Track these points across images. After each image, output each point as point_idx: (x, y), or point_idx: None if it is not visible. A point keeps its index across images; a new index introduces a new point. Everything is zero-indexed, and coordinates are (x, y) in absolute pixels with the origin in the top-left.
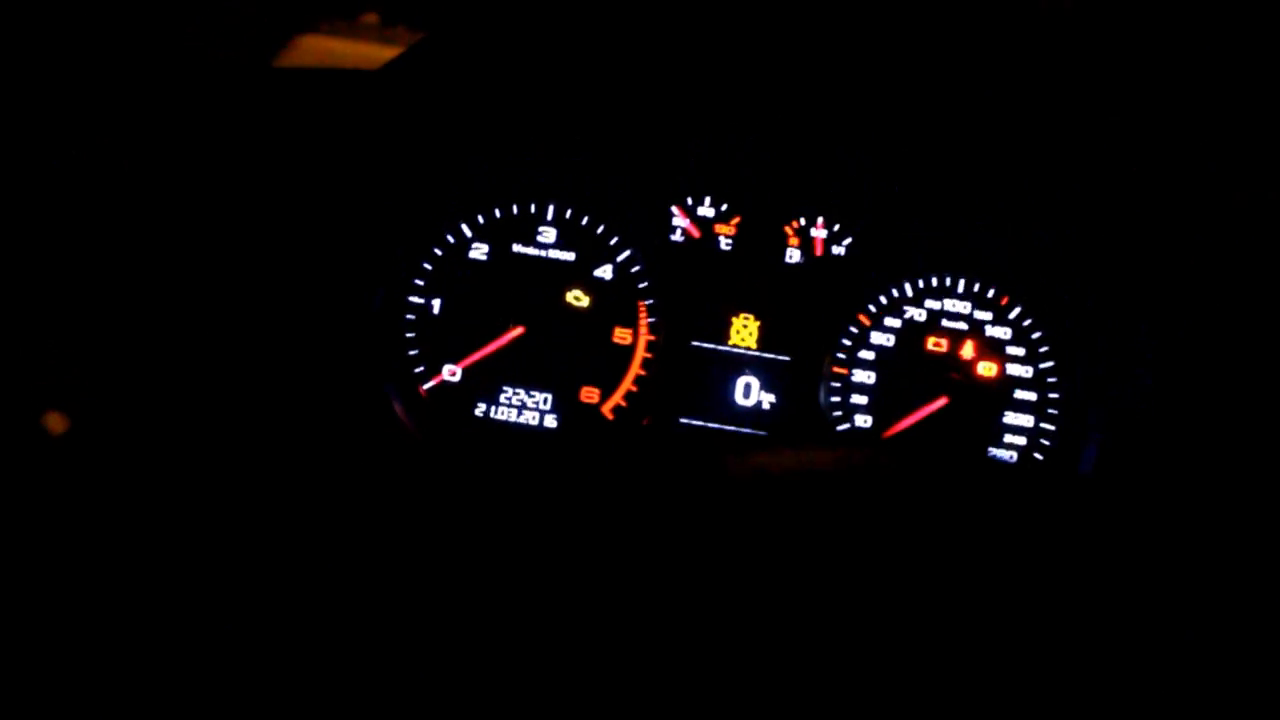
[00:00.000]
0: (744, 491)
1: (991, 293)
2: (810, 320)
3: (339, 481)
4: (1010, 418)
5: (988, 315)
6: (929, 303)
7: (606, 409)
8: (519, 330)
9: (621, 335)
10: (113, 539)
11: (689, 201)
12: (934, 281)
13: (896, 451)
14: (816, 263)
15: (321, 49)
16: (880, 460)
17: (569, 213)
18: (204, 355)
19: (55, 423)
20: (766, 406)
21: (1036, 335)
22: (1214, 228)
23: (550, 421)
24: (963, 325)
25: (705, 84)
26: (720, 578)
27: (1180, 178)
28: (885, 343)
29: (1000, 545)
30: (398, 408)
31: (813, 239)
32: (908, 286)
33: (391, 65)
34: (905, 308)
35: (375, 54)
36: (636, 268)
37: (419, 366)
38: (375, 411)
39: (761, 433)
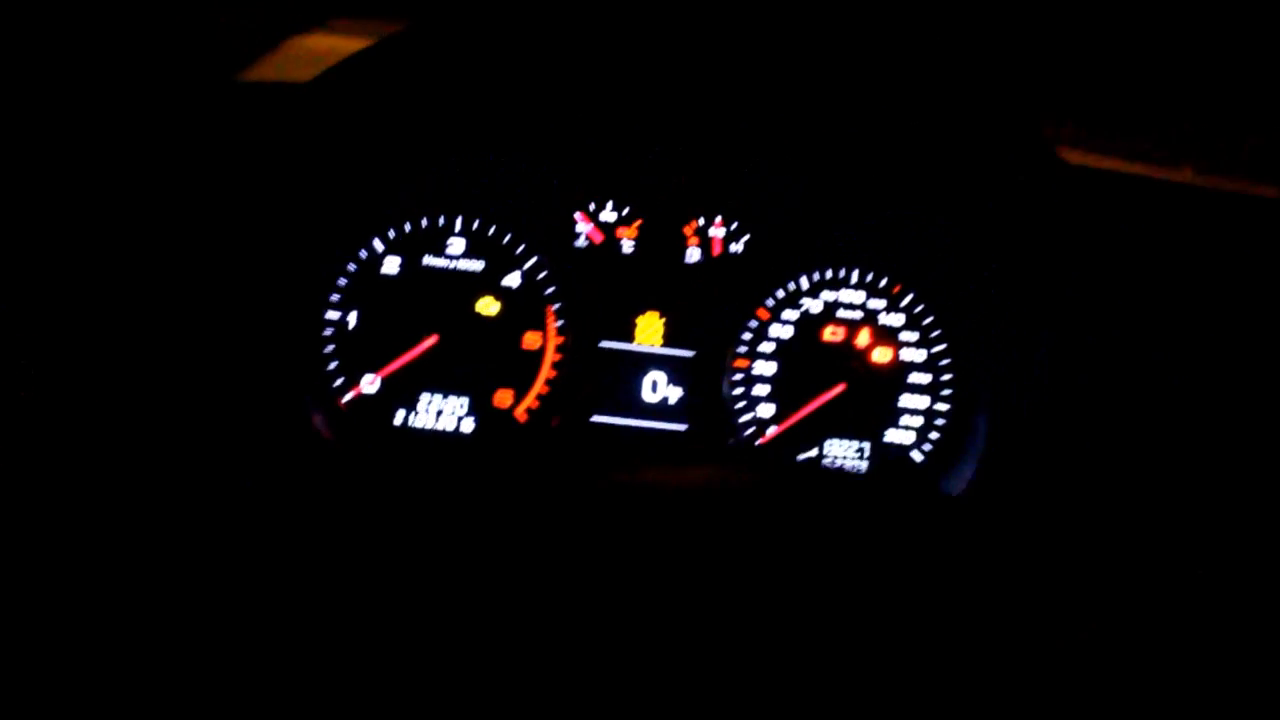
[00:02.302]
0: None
1: (884, 282)
2: (712, 316)
3: (261, 496)
4: (906, 400)
5: (881, 304)
6: (825, 294)
7: (519, 411)
8: (433, 339)
9: (531, 340)
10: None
11: (591, 207)
12: (829, 274)
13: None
14: (715, 261)
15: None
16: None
17: (476, 224)
18: (115, 373)
19: None
20: (674, 401)
21: (928, 320)
22: (1086, 215)
23: (467, 426)
24: (858, 314)
25: (602, 98)
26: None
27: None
28: (784, 335)
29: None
30: (317, 420)
31: (711, 238)
32: (804, 280)
33: (310, 87)
34: (802, 300)
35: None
36: (543, 274)
37: (338, 379)
38: (295, 426)
39: (679, 426)
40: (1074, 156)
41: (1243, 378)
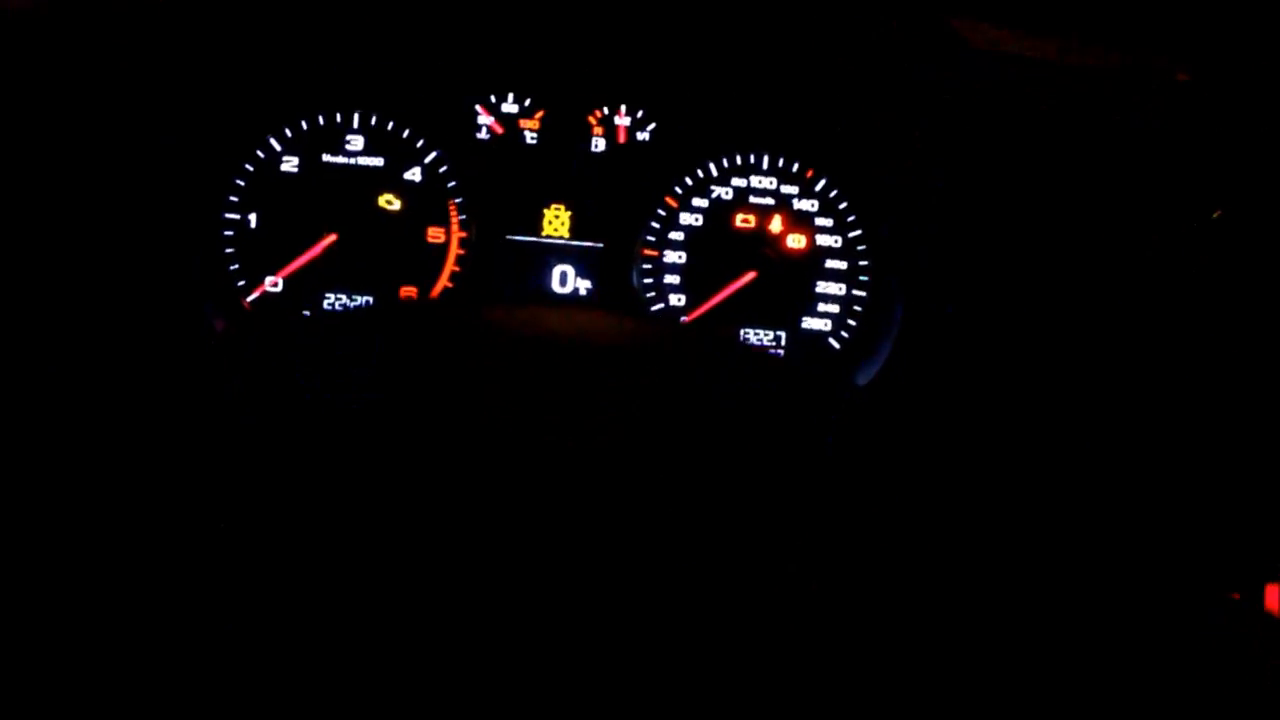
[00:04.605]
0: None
1: (796, 167)
2: (619, 206)
3: (167, 405)
4: (822, 286)
5: (794, 189)
6: (735, 181)
7: None
8: (331, 238)
9: (435, 234)
10: None
11: (492, 99)
12: (739, 160)
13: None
14: (621, 150)
15: None
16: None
17: (374, 119)
18: (16, 294)
19: None
20: (583, 292)
21: (843, 206)
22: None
23: None
24: (769, 200)
25: None
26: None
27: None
28: (694, 223)
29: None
30: (220, 325)
31: (616, 127)
32: (713, 167)
33: None
34: (712, 187)
35: None
36: (444, 168)
37: (241, 280)
38: (197, 329)
39: None
40: (978, 38)
41: (1158, 271)
